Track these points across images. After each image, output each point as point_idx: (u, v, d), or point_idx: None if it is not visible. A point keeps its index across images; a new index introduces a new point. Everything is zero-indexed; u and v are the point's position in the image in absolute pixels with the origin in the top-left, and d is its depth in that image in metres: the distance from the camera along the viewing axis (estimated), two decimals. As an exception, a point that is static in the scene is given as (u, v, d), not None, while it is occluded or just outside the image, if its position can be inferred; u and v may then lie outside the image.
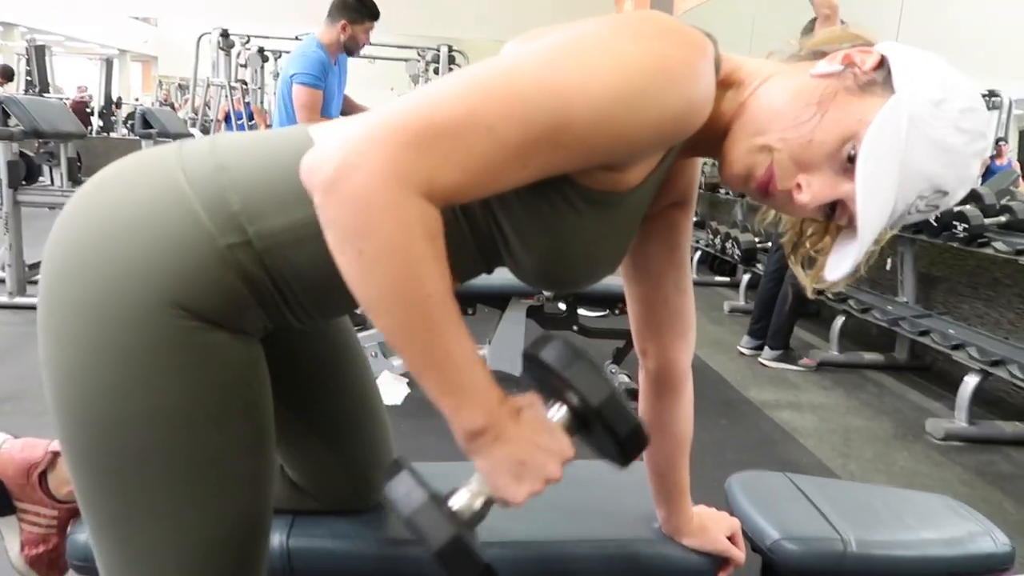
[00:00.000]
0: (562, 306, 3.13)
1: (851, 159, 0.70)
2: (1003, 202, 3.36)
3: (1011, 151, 5.04)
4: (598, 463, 1.37)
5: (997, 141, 4.85)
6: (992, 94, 4.67)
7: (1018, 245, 3.04)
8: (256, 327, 0.76)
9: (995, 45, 4.54)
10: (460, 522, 0.66)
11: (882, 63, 0.72)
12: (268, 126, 6.86)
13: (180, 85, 16.40)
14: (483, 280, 0.92)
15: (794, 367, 3.84)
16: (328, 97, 3.40)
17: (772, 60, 0.80)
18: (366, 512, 1.09)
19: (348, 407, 1.04)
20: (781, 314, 3.85)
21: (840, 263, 0.74)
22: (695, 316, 0.99)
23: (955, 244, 3.35)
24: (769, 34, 3.59)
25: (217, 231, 0.71)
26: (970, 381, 3.01)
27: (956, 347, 3.16)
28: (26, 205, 4.12)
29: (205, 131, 8.18)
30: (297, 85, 3.31)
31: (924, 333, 3.42)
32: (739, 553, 1.07)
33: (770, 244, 4.59)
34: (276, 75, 9.16)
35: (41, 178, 7.42)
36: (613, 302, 3.15)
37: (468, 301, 3.07)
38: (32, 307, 4.06)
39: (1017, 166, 5.51)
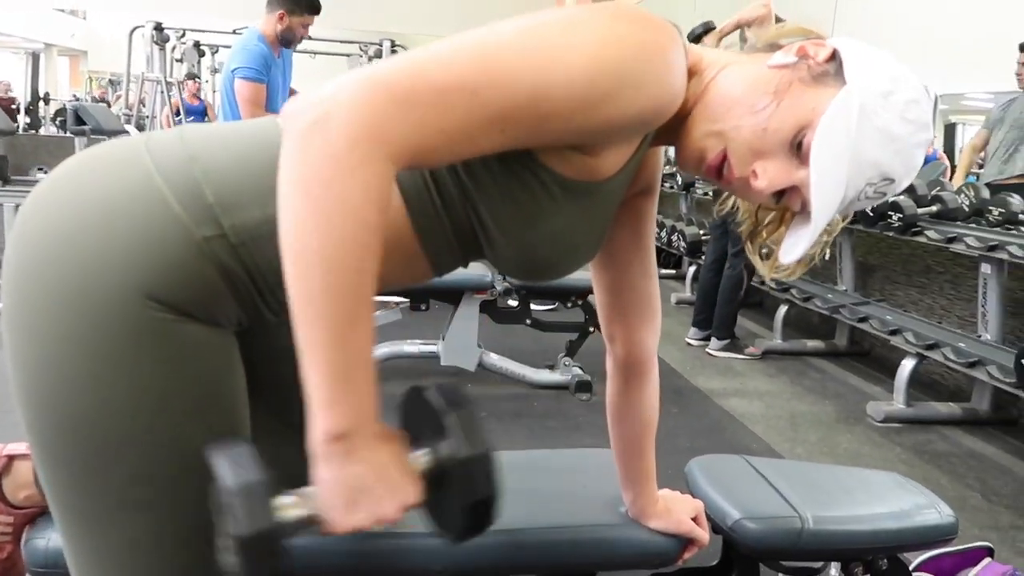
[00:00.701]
0: (514, 301, 3.14)
1: (803, 146, 0.72)
2: (934, 192, 3.50)
3: (937, 143, 5.25)
4: (563, 451, 1.39)
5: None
6: (921, 90, 4.85)
7: (949, 233, 3.18)
8: (230, 319, 0.75)
9: (923, 42, 4.73)
10: (274, 521, 0.61)
11: (834, 56, 0.75)
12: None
13: (111, 81, 15.86)
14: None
15: (740, 356, 3.94)
16: (272, 91, 3.34)
17: (730, 52, 0.82)
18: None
19: None
20: (723, 305, 3.95)
21: (794, 246, 0.77)
22: (660, 301, 1.01)
23: (890, 233, 3.48)
24: (711, 18, 3.66)
25: (193, 223, 0.70)
26: (907, 364, 3.14)
27: (894, 332, 3.28)
28: (-48, 206, 3.95)
29: (140, 128, 7.94)
30: (239, 80, 3.24)
31: (863, 320, 3.55)
32: (703, 534, 1.10)
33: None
34: (214, 70, 8.96)
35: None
36: (565, 296, 3.19)
37: (421, 297, 3.07)
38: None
39: (944, 157, 5.76)
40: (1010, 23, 4.51)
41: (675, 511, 1.09)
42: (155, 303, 0.69)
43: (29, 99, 11.80)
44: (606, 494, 1.15)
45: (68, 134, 6.98)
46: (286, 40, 3.32)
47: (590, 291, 3.11)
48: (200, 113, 7.66)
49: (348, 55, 7.96)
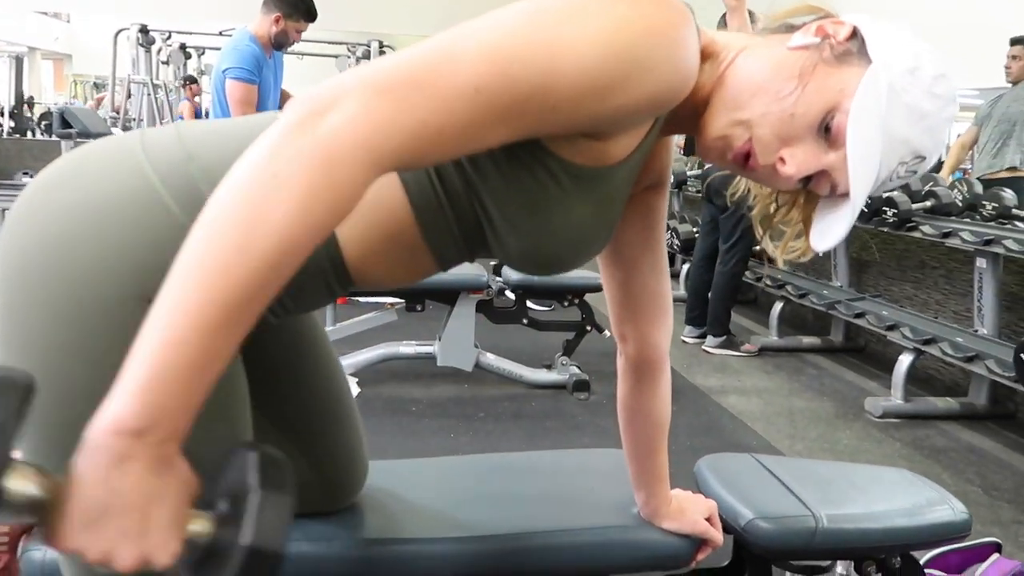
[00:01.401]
0: (511, 295, 3.12)
1: (831, 129, 0.70)
2: (928, 188, 3.51)
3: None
4: (574, 452, 1.37)
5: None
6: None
7: (943, 228, 3.18)
8: None
9: (932, 41, 4.73)
10: None
11: (855, 34, 0.73)
12: None
13: (96, 84, 15.74)
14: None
15: (736, 353, 3.93)
16: (264, 92, 3.31)
17: (743, 34, 0.80)
18: (339, 512, 1.06)
19: (318, 406, 1.01)
20: (717, 301, 3.94)
21: (830, 230, 0.74)
22: (672, 299, 0.99)
23: (885, 229, 3.48)
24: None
25: (191, 223, 0.67)
26: (904, 360, 3.13)
27: (890, 328, 3.28)
28: (-63, 211, 3.89)
29: (126, 131, 7.88)
30: (230, 80, 3.21)
31: (860, 315, 3.55)
32: (718, 534, 1.08)
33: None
34: (201, 72, 8.90)
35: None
36: (561, 295, 3.17)
37: (417, 297, 3.04)
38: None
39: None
40: (996, 18, 4.53)
41: (689, 511, 1.07)
42: (147, 304, 0.65)
43: (13, 103, 11.69)
44: (616, 495, 1.13)
45: (54, 138, 6.92)
46: (279, 43, 3.29)
47: (587, 290, 3.12)
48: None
49: (336, 56, 7.91)
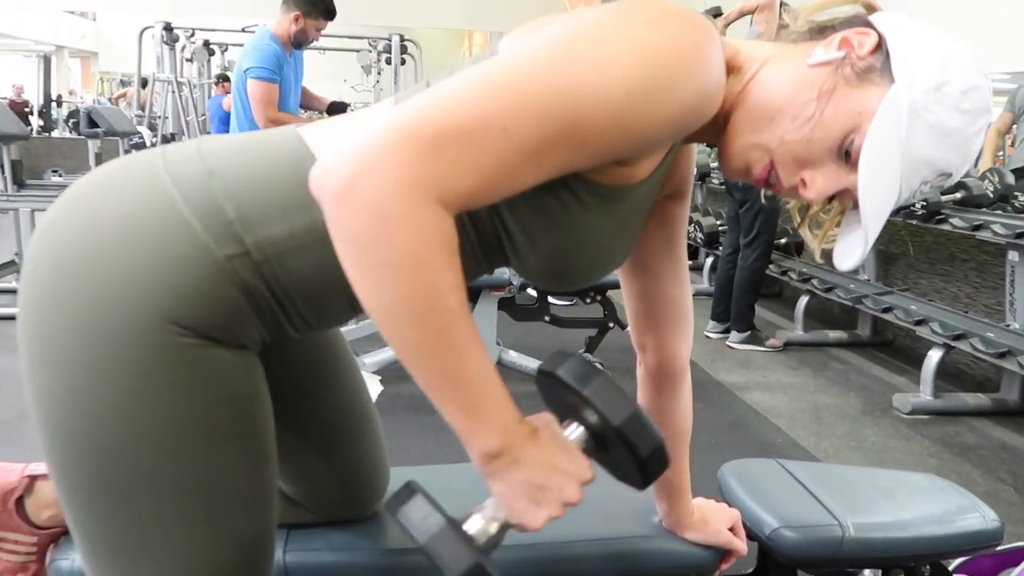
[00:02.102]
0: (533, 292, 3.11)
1: (852, 153, 0.69)
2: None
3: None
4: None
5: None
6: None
7: (974, 221, 3.12)
8: (254, 340, 0.73)
9: (938, 22, 4.63)
10: (477, 548, 0.63)
11: (880, 45, 0.70)
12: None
13: (121, 81, 15.92)
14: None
15: (761, 348, 3.89)
16: (285, 90, 3.32)
17: (767, 40, 0.78)
18: (361, 522, 1.06)
19: (339, 416, 1.01)
20: (740, 296, 3.90)
21: (849, 253, 0.73)
22: (692, 308, 0.98)
23: (914, 221, 3.42)
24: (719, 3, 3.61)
25: (214, 242, 0.67)
26: (934, 355, 3.08)
27: (919, 322, 3.23)
28: (-31, 211, 3.96)
29: (152, 128, 7.96)
30: (251, 80, 3.22)
31: (887, 310, 3.49)
32: (741, 544, 1.06)
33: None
34: (224, 69, 8.96)
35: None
36: (584, 292, 3.15)
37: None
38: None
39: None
40: (1030, 0, 4.41)
41: (712, 521, 1.06)
42: (177, 328, 0.66)
43: (42, 102, 11.87)
44: (638, 503, 1.12)
45: (81, 136, 7.01)
46: (299, 41, 3.30)
47: (609, 287, 3.10)
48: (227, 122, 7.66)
49: (357, 50, 7.91)
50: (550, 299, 3.23)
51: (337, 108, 3.77)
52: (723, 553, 1.07)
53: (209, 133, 8.13)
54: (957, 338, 3.01)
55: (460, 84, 0.61)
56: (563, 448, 0.65)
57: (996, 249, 3.22)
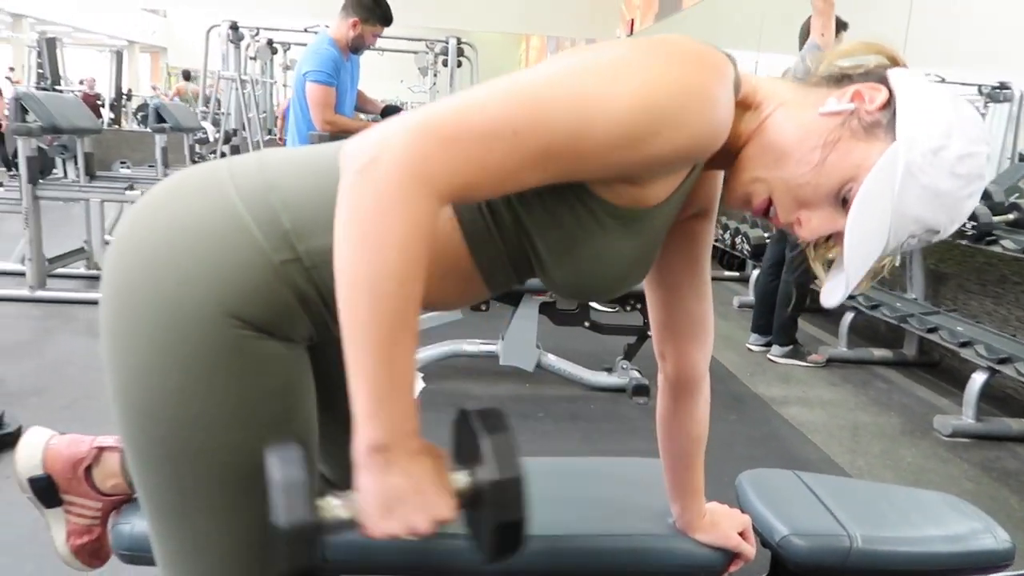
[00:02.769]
0: (572, 304, 3.17)
1: (848, 200, 0.74)
2: (1012, 200, 3.38)
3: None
4: (615, 460, 1.42)
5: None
6: (1002, 86, 4.67)
7: (1026, 243, 3.07)
8: (302, 336, 0.81)
9: (1006, 36, 4.53)
10: (316, 517, 0.66)
11: (889, 103, 0.75)
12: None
13: (186, 73, 16.43)
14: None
15: (803, 363, 3.87)
16: (341, 93, 3.45)
17: (787, 80, 0.83)
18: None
19: None
20: (782, 310, 3.89)
21: (833, 293, 0.79)
22: (713, 322, 1.03)
23: (964, 242, 3.37)
24: (778, 30, 3.62)
25: (271, 248, 0.76)
26: (977, 378, 3.05)
27: (964, 344, 3.19)
28: (44, 199, 4.18)
29: (216, 124, 8.23)
30: (310, 83, 3.35)
31: (932, 330, 3.45)
32: (749, 548, 1.11)
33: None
34: (286, 67, 9.22)
35: (54, 171, 7.50)
36: (624, 299, 3.19)
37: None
38: (51, 301, 4.11)
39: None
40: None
41: (722, 525, 1.11)
42: (237, 321, 0.75)
43: (113, 96, 12.34)
44: (654, 505, 1.18)
45: (149, 130, 7.31)
46: (356, 46, 3.42)
47: (649, 295, 3.13)
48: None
49: (415, 52, 8.06)
50: (591, 305, 3.28)
51: (391, 111, 3.89)
52: (732, 556, 1.12)
53: (272, 131, 8.38)
54: (1002, 361, 2.97)
55: (485, 89, 0.69)
56: (438, 480, 0.69)
57: (1048, 273, 3.17)
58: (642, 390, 3.12)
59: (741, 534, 1.12)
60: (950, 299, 3.96)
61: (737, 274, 6.02)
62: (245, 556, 0.82)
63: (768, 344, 3.99)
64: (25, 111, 4.05)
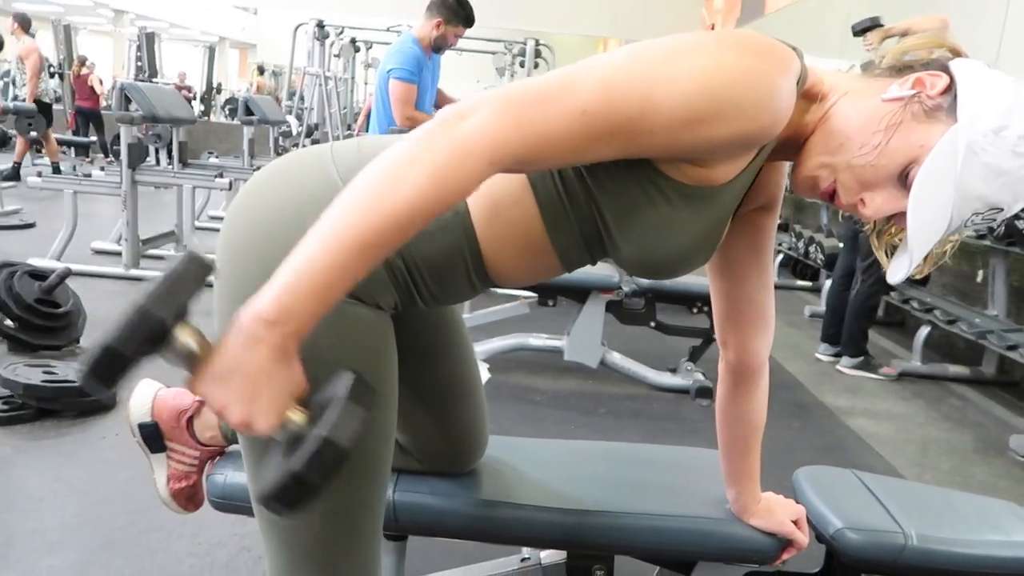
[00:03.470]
0: (640, 299, 3.20)
1: (909, 179, 0.78)
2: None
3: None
4: (676, 448, 1.46)
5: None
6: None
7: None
8: (389, 305, 0.87)
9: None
10: (169, 324, 0.63)
11: (950, 87, 0.78)
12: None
13: (274, 72, 17.02)
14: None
15: (873, 375, 3.80)
16: (422, 91, 3.56)
17: (851, 74, 0.86)
18: (462, 475, 1.22)
19: (451, 381, 1.17)
20: (852, 320, 3.82)
21: (897, 271, 0.82)
22: (775, 312, 1.07)
23: (1050, 258, 3.26)
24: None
25: None
26: (1058, 399, 2.95)
27: (1045, 363, 3.08)
28: (141, 184, 4.44)
29: (299, 118, 8.53)
30: (393, 80, 3.48)
31: (1013, 347, 3.35)
32: (803, 536, 1.14)
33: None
34: (367, 65, 9.49)
35: (148, 159, 7.91)
36: (691, 301, 3.21)
37: (550, 293, 3.19)
38: (143, 279, 4.36)
39: None
40: None
41: (776, 512, 1.15)
42: None
43: (204, 89, 12.91)
44: (712, 492, 1.22)
45: (237, 122, 7.64)
46: (438, 46, 3.53)
47: (716, 298, 3.14)
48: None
49: (493, 52, 8.19)
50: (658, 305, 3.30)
51: (469, 109, 3.99)
52: (785, 543, 1.15)
53: (351, 126, 8.62)
54: (1086, 383, 2.87)
55: (562, 70, 0.74)
56: (280, 394, 0.67)
57: None
58: (705, 392, 3.13)
59: (796, 523, 1.15)
60: (1034, 317, 3.82)
61: (810, 284, 5.92)
62: (331, 495, 0.88)
63: (837, 355, 3.93)
64: (128, 101, 4.31)
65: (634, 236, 0.84)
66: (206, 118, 12.27)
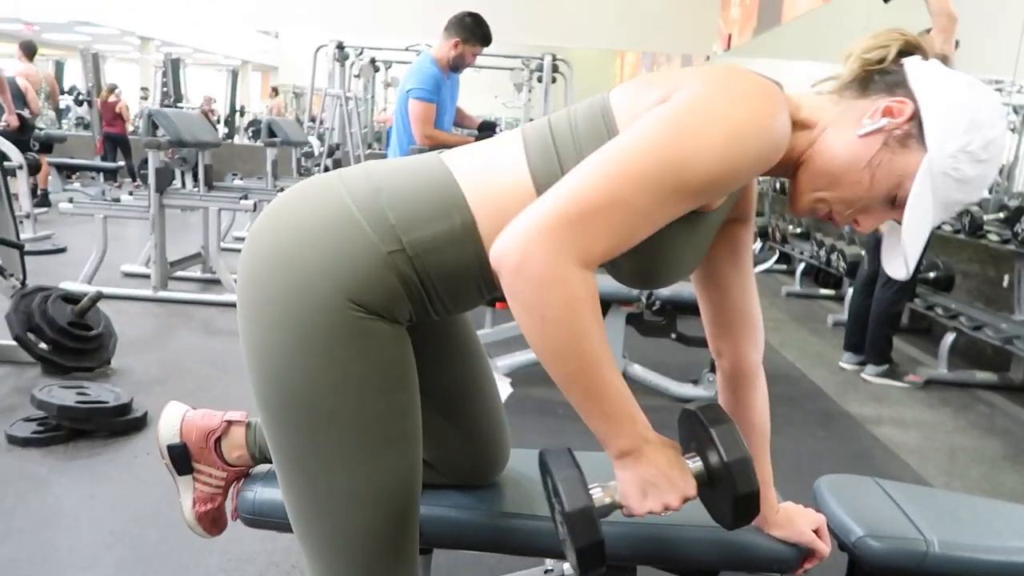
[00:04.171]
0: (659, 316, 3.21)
1: (896, 200, 0.90)
2: None
3: None
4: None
5: None
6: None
7: None
8: (405, 318, 0.92)
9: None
10: (591, 503, 0.82)
11: (915, 115, 0.87)
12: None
13: (295, 94, 17.26)
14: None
15: (899, 384, 3.77)
16: (441, 110, 3.62)
17: (822, 93, 0.94)
18: (482, 488, 1.24)
19: (470, 395, 1.20)
20: (876, 328, 3.79)
21: (898, 269, 0.93)
22: (761, 315, 1.12)
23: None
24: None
25: (380, 241, 0.88)
26: (1088, 404, 2.91)
27: (1074, 368, 3.04)
28: (169, 208, 4.54)
29: (321, 139, 8.65)
30: (413, 100, 3.53)
31: (1040, 353, 3.31)
32: (823, 546, 1.15)
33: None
34: (387, 84, 9.60)
35: (174, 182, 8.06)
36: (711, 311, 3.21)
37: (569, 306, 3.21)
38: (171, 301, 4.45)
39: None
40: None
41: (796, 521, 1.16)
42: (355, 305, 0.87)
43: (228, 112, 13.13)
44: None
45: (260, 143, 7.77)
46: (456, 65, 3.59)
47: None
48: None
49: (511, 69, 8.26)
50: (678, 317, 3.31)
51: (486, 127, 4.04)
52: (806, 553, 1.16)
53: (372, 145, 8.72)
54: (1116, 388, 2.83)
55: (592, 169, 0.81)
56: (679, 467, 0.86)
57: None
58: (728, 403, 3.11)
59: (816, 532, 1.16)
60: (1063, 322, 3.77)
61: (832, 292, 5.88)
62: (371, 507, 0.94)
63: (862, 363, 3.91)
64: (155, 126, 4.42)
65: (636, 255, 0.88)
66: (230, 140, 12.46)
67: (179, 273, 4.84)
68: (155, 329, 4.00)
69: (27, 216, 5.94)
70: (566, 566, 1.50)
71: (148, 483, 2.22)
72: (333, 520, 0.94)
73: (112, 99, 9.81)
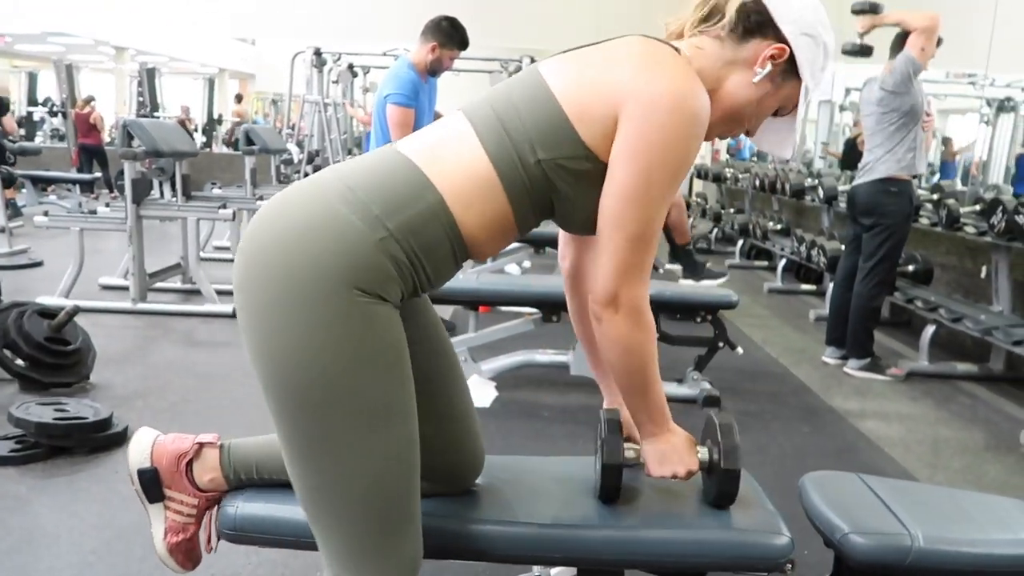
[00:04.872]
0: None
1: (778, 112, 1.15)
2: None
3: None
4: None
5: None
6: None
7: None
8: (397, 299, 1.00)
9: None
10: (624, 459, 1.19)
11: (789, 53, 1.07)
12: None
13: (273, 101, 17.17)
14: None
15: (881, 377, 3.80)
16: (419, 114, 3.60)
17: (704, 43, 1.09)
18: (470, 496, 1.23)
19: (450, 401, 1.20)
20: (856, 322, 3.82)
21: (784, 145, 1.19)
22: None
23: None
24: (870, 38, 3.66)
25: (370, 230, 0.97)
26: (1067, 393, 2.94)
27: (1052, 358, 3.08)
28: (146, 219, 4.49)
29: (300, 146, 8.59)
30: (391, 105, 3.52)
31: (1019, 343, 3.35)
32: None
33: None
34: (365, 90, 9.56)
35: (152, 192, 7.98)
36: (695, 311, 3.23)
37: (553, 309, 3.20)
38: (151, 313, 4.40)
39: None
40: None
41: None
42: (355, 290, 0.95)
43: (205, 120, 13.03)
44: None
45: (239, 152, 7.70)
46: (433, 70, 3.58)
47: (720, 307, 3.16)
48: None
49: (490, 72, 8.25)
50: (662, 317, 3.31)
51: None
52: (792, 547, 1.15)
53: (352, 151, 8.69)
54: (1094, 376, 2.86)
55: (629, 216, 1.00)
56: (689, 448, 1.17)
57: None
58: (713, 401, 3.13)
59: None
60: (1040, 312, 3.81)
61: (814, 287, 5.92)
62: (377, 486, 0.99)
63: (844, 357, 3.93)
64: (131, 137, 4.37)
65: (580, 210, 1.07)
66: (208, 149, 12.37)
67: (158, 284, 4.79)
68: (135, 342, 3.95)
69: (2, 230, 5.86)
70: (553, 572, 1.49)
71: (130, 499, 2.17)
72: (354, 489, 0.99)
73: (87, 110, 9.71)
